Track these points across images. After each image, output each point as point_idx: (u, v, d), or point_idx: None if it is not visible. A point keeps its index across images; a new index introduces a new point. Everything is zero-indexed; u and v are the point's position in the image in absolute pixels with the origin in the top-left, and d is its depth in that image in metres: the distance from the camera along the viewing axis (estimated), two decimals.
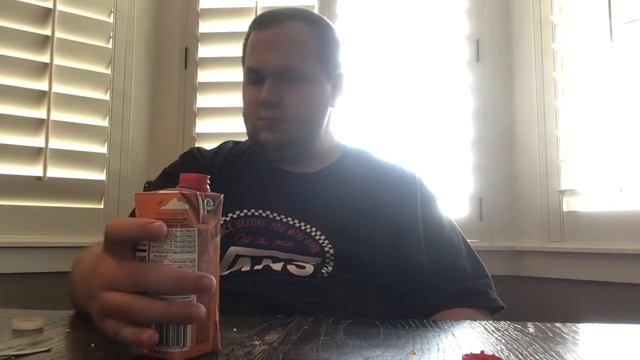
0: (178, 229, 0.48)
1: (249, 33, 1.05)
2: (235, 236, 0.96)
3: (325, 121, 1.06)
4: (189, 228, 0.49)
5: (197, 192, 0.50)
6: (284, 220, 0.96)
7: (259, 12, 1.68)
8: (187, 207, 0.49)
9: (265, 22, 1.02)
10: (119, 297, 0.48)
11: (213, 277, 0.48)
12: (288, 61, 0.98)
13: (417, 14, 1.66)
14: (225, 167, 1.07)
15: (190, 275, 0.48)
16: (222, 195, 0.53)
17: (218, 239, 0.52)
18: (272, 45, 0.99)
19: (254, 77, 1.01)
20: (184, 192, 0.49)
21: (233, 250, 0.95)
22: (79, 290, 0.72)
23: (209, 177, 0.54)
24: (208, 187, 0.53)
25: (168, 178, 1.06)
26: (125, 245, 0.49)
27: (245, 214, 0.98)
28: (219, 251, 0.53)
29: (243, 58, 1.06)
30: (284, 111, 0.99)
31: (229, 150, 1.11)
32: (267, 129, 1.00)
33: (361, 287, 0.92)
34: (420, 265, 0.96)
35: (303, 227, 0.95)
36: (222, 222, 0.95)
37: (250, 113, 1.03)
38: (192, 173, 0.53)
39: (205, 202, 0.50)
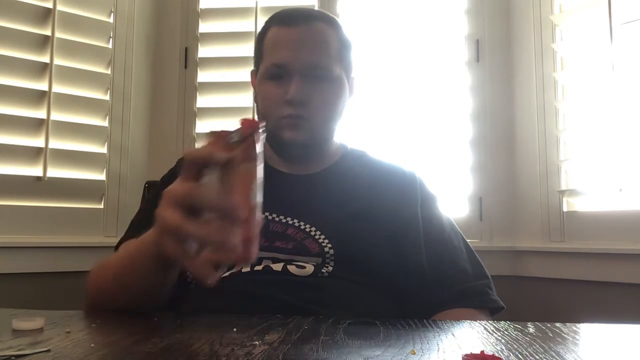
0: None
1: (266, 29, 1.04)
2: None
3: (340, 122, 1.07)
4: None
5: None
6: (283, 220, 0.96)
7: (259, 12, 1.68)
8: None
9: (292, 19, 1.01)
10: (172, 216, 0.58)
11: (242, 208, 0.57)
12: (318, 59, 0.99)
13: (417, 14, 1.66)
14: None
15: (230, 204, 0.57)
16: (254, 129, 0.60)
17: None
18: (303, 43, 0.99)
19: (279, 73, 0.99)
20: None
21: None
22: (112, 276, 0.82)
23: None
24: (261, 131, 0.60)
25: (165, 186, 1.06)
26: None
27: None
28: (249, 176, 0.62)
29: (259, 53, 1.05)
30: (310, 109, 0.98)
31: None
32: (293, 127, 0.99)
33: (361, 286, 0.92)
34: (421, 266, 0.96)
35: (302, 227, 0.95)
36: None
37: (272, 111, 1.00)
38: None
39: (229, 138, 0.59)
